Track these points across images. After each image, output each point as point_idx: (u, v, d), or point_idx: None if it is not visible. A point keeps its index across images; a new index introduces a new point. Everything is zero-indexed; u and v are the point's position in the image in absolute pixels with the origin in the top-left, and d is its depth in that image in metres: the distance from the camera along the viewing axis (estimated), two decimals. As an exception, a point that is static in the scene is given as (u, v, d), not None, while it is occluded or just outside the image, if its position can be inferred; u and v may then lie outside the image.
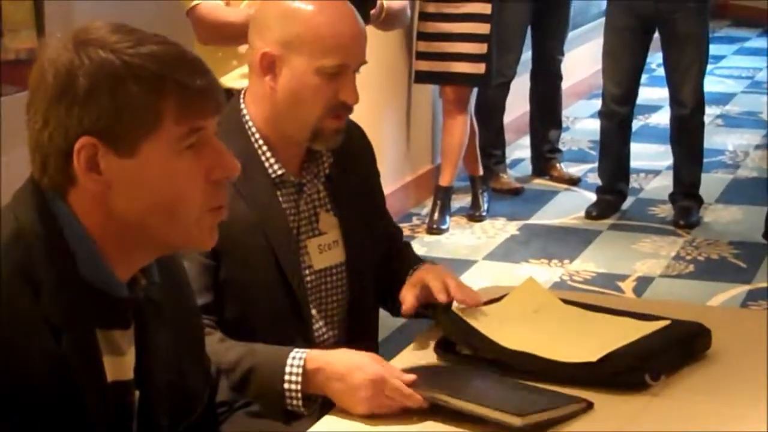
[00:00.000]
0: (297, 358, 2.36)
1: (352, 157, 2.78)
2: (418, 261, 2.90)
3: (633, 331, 2.55)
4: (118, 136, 1.71)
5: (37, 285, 1.68)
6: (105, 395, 1.74)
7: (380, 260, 2.86)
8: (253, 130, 2.64)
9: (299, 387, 2.35)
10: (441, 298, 2.63)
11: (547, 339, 2.52)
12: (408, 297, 2.65)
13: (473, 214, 6.46)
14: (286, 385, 2.35)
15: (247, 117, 2.64)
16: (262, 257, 2.59)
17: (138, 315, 1.82)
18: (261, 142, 2.64)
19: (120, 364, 1.79)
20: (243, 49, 3.85)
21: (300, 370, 2.35)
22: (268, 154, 2.63)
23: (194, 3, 3.87)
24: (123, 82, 1.70)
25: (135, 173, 1.72)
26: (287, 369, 2.36)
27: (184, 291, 1.99)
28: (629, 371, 2.44)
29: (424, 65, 6.18)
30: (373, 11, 4.05)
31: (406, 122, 6.56)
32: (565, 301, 2.77)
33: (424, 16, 6.06)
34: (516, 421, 2.22)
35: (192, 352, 1.99)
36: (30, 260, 1.69)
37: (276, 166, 2.63)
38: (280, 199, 2.65)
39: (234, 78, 3.82)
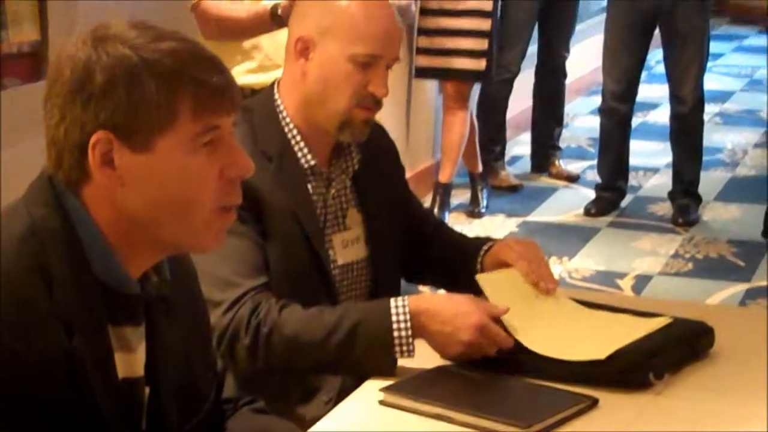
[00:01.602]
0: (401, 306, 2.42)
1: (378, 155, 2.81)
2: (463, 238, 2.96)
3: (636, 328, 2.55)
4: (133, 131, 1.71)
5: (50, 281, 1.68)
6: (116, 392, 1.74)
7: (415, 244, 2.89)
8: (288, 120, 2.66)
9: (410, 332, 2.40)
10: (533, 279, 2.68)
11: (553, 334, 2.52)
12: None
13: (472, 211, 6.48)
14: (395, 333, 2.40)
15: (282, 107, 2.67)
16: (298, 242, 2.62)
17: (149, 312, 1.82)
18: (295, 131, 2.66)
19: (131, 361, 1.79)
20: (248, 44, 3.87)
21: (407, 316, 2.40)
22: (302, 143, 2.65)
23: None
24: (140, 77, 1.70)
25: (149, 169, 1.72)
26: (393, 317, 2.41)
27: (194, 289, 1.99)
28: (634, 370, 2.45)
29: (425, 61, 6.18)
30: None
31: (406, 118, 6.59)
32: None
33: (426, 12, 6.06)
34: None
35: (201, 349, 1.99)
36: (44, 256, 1.69)
37: (309, 156, 2.66)
38: (310, 190, 2.67)
39: (239, 73, 3.81)
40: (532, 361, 2.46)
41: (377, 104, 2.64)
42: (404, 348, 2.40)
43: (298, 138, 2.66)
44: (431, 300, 2.47)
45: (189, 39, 1.79)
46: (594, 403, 2.35)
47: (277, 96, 2.68)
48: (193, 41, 1.80)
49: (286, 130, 2.66)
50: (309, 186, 2.68)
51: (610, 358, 2.46)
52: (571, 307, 2.68)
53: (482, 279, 2.64)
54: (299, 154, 2.66)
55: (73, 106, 1.70)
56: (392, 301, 2.44)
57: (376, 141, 2.78)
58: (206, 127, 1.75)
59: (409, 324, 2.40)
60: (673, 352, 2.55)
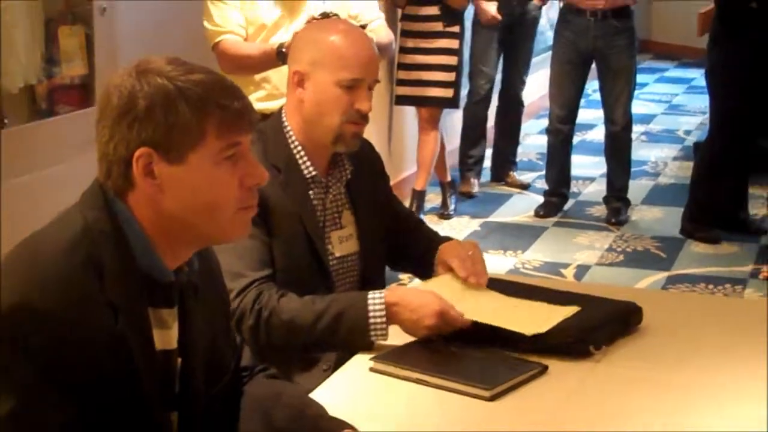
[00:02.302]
0: (378, 298, 2.42)
1: (367, 166, 2.80)
2: (435, 236, 2.93)
3: (555, 313, 2.52)
4: (169, 147, 1.71)
5: (101, 272, 1.68)
6: (154, 361, 1.74)
7: (399, 238, 2.88)
8: (293, 138, 2.65)
9: (384, 320, 2.40)
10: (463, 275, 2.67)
11: (497, 315, 2.50)
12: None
13: (443, 213, 6.44)
14: (371, 321, 2.40)
15: (288, 128, 2.66)
16: (300, 241, 2.62)
17: (181, 296, 1.82)
18: (299, 147, 2.65)
19: (166, 336, 1.79)
20: (258, 77, 3.85)
21: (382, 307, 2.40)
22: (305, 158, 2.65)
23: (218, 39, 3.85)
24: (174, 103, 1.71)
25: (183, 178, 1.73)
26: (370, 308, 2.41)
27: (217, 277, 1.99)
28: (577, 342, 2.44)
29: (403, 90, 6.15)
30: None
31: (388, 137, 6.55)
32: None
33: (404, 50, 6.05)
34: (486, 393, 2.23)
35: (223, 326, 1.98)
36: (96, 252, 1.69)
37: (311, 168, 2.65)
38: (311, 195, 2.66)
39: (251, 101, 3.78)
40: (492, 334, 2.45)
41: (364, 119, 2.64)
42: (379, 332, 2.41)
43: (302, 153, 2.66)
44: (402, 294, 2.46)
45: (215, 72, 1.80)
46: (544, 369, 2.36)
47: (284, 118, 2.67)
48: (218, 74, 1.81)
49: (292, 146, 2.65)
50: (311, 192, 2.66)
51: (552, 331, 2.46)
52: (498, 297, 2.63)
53: (426, 284, 2.67)
54: (303, 166, 2.65)
55: (120, 127, 1.71)
56: (370, 294, 2.45)
57: (365, 154, 2.79)
58: (229, 143, 1.75)
59: (383, 314, 2.41)
60: (609, 327, 2.54)
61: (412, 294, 2.48)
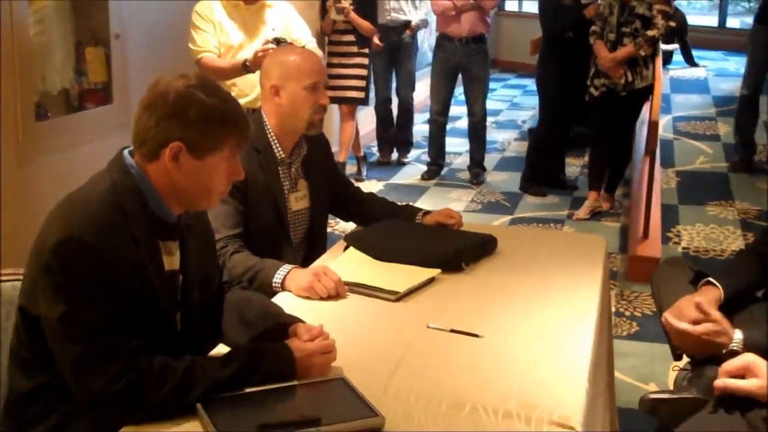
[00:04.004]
0: (284, 268, 2.32)
1: (317, 147, 2.75)
2: (365, 195, 2.93)
3: (412, 278, 2.34)
4: (197, 147, 1.70)
5: (126, 214, 1.66)
6: (163, 278, 1.73)
7: (342, 201, 2.86)
8: (269, 130, 2.61)
9: (280, 281, 2.30)
10: (451, 222, 2.74)
11: (371, 277, 2.35)
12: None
13: (357, 178, 6.42)
14: (274, 281, 2.30)
15: (267, 123, 2.61)
16: (269, 204, 2.58)
17: (181, 233, 1.81)
18: (273, 137, 2.61)
19: (172, 260, 1.78)
20: (229, 82, 3.78)
21: (282, 275, 2.30)
22: (276, 144, 2.61)
23: (200, 56, 3.78)
24: (212, 119, 1.69)
25: (197, 169, 1.71)
26: (275, 275, 2.30)
27: (205, 221, 1.96)
28: (453, 260, 2.46)
29: (330, 93, 6.08)
30: None
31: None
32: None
33: (330, 65, 5.98)
34: (392, 297, 2.23)
35: (210, 253, 1.97)
36: (121, 201, 1.67)
37: (280, 151, 2.62)
38: (280, 171, 2.63)
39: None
40: (402, 256, 2.46)
41: (324, 109, 2.61)
42: (278, 288, 2.30)
43: (275, 140, 2.62)
44: (296, 270, 2.32)
45: (237, 102, 1.78)
46: (431, 279, 2.37)
47: (263, 116, 2.61)
48: (239, 104, 1.78)
49: (269, 136, 2.61)
50: (279, 169, 2.63)
51: (442, 253, 2.45)
52: (380, 265, 2.46)
53: (337, 258, 2.53)
54: (275, 150, 2.61)
55: (167, 121, 1.68)
56: (282, 266, 2.33)
57: (316, 138, 2.74)
58: (233, 154, 1.75)
59: (282, 278, 2.29)
60: (474, 251, 2.56)
61: (306, 268, 2.35)
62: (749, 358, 1.77)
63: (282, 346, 1.76)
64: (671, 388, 2.57)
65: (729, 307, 2.35)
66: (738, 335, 2.13)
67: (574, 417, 1.65)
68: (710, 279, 2.38)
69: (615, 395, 2.84)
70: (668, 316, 2.32)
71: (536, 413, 1.65)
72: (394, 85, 6.78)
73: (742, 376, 1.76)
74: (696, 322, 2.26)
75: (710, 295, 2.34)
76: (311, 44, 3.98)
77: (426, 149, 6.78)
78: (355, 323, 2.11)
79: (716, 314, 2.23)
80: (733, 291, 2.37)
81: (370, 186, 6.31)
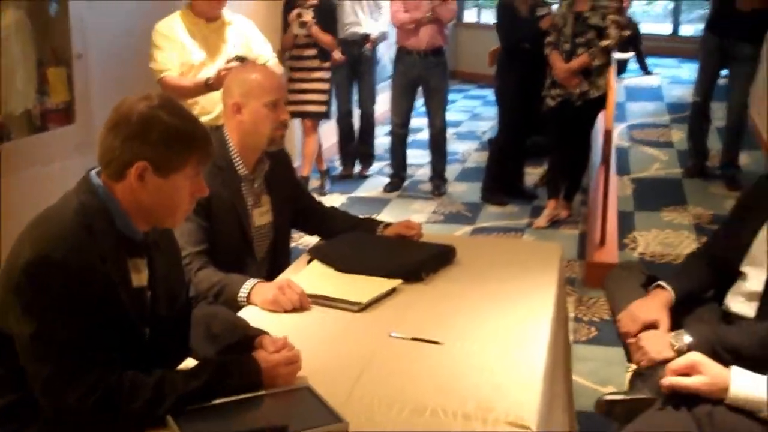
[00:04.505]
0: (249, 282, 2.36)
1: (279, 163, 2.79)
2: (328, 209, 2.98)
3: (373, 289, 2.39)
4: (161, 167, 1.74)
5: (94, 233, 1.70)
6: (131, 294, 1.76)
7: (304, 215, 2.89)
8: (231, 146, 2.63)
9: (245, 295, 2.34)
10: (412, 233, 2.82)
11: (334, 289, 2.40)
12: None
13: (321, 191, 6.44)
14: (240, 295, 2.34)
15: (228, 139, 2.63)
16: (232, 220, 2.61)
17: (148, 250, 1.85)
18: (236, 153, 2.64)
19: (140, 277, 1.81)
20: (191, 101, 3.80)
21: (248, 289, 2.34)
22: (239, 160, 2.64)
23: (162, 75, 3.81)
24: (175, 139, 1.74)
25: (162, 187, 1.75)
26: (241, 290, 2.35)
27: (172, 239, 2.00)
28: (414, 270, 2.51)
29: (292, 108, 6.07)
30: None
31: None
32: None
33: (292, 80, 6.00)
34: (355, 308, 2.28)
35: (176, 269, 2.00)
36: (89, 220, 1.71)
37: (243, 168, 2.64)
38: (243, 187, 2.66)
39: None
40: (365, 269, 2.50)
41: (285, 126, 2.65)
42: (243, 302, 2.34)
43: (237, 157, 2.64)
44: (261, 284, 2.37)
45: (200, 121, 1.82)
46: (393, 290, 2.42)
47: (225, 134, 2.64)
48: (201, 123, 1.83)
49: (231, 153, 2.63)
50: (242, 185, 2.66)
51: (404, 263, 2.51)
52: (341, 277, 2.52)
53: (301, 272, 2.57)
54: (237, 167, 2.64)
55: (132, 141, 1.72)
56: (247, 281, 2.36)
57: (278, 154, 2.77)
58: (197, 171, 1.79)
59: (247, 292, 2.34)
60: (433, 261, 2.62)
61: (270, 282, 2.39)
62: (695, 357, 1.87)
63: (248, 358, 1.81)
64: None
65: (680, 309, 2.45)
66: (687, 338, 2.22)
67: (529, 417, 1.73)
68: (660, 283, 2.48)
69: (573, 398, 2.93)
70: (623, 318, 2.41)
71: (493, 414, 1.72)
72: (355, 98, 6.83)
73: (689, 375, 1.85)
74: (648, 326, 2.36)
75: (661, 298, 2.44)
76: (272, 60, 4.03)
77: (388, 162, 6.81)
78: (319, 334, 2.17)
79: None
80: (683, 293, 2.47)
81: (334, 199, 6.33)
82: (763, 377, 1.81)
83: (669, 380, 1.86)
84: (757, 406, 1.78)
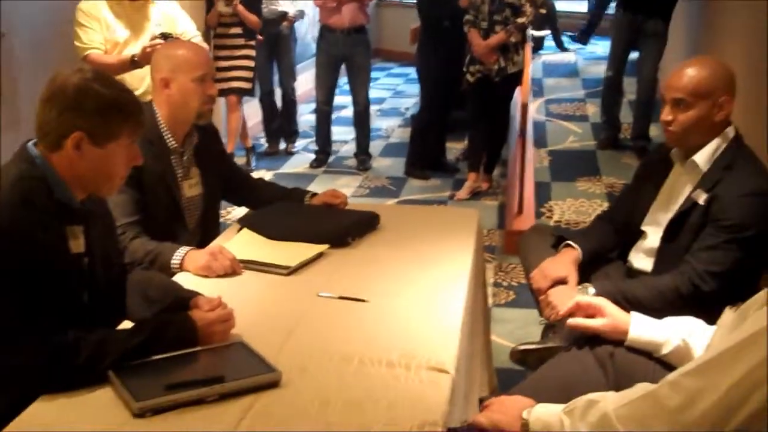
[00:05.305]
0: (182, 249, 2.42)
1: (207, 136, 2.83)
2: (281, 189, 3.06)
3: (301, 253, 2.48)
4: (97, 135, 1.81)
5: (33, 203, 1.76)
6: (70, 259, 1.84)
7: (233, 186, 2.95)
8: (161, 121, 2.67)
9: (178, 264, 2.40)
10: (337, 202, 2.89)
11: (262, 254, 2.48)
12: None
13: (247, 168, 6.41)
14: (173, 263, 2.40)
15: (158, 114, 2.66)
16: (163, 192, 2.65)
17: (85, 218, 1.91)
18: (165, 127, 2.67)
19: (77, 244, 1.88)
20: (117, 78, 3.84)
21: (181, 256, 2.40)
22: (168, 134, 2.67)
23: (86, 53, 3.82)
24: (111, 109, 1.80)
25: (98, 157, 1.83)
26: (174, 257, 2.41)
27: (105, 207, 2.06)
28: (340, 235, 2.61)
29: (218, 85, 6.09)
30: None
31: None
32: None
33: (217, 58, 5.99)
34: (284, 271, 2.36)
35: (111, 236, 2.07)
36: (28, 190, 1.77)
37: (172, 141, 2.68)
38: (172, 160, 2.70)
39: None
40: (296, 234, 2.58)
41: (212, 100, 2.70)
42: (177, 268, 2.39)
43: (167, 131, 2.68)
44: (193, 251, 2.42)
45: (132, 92, 1.90)
46: (321, 254, 2.51)
47: (155, 109, 2.67)
48: (134, 93, 1.91)
49: (160, 127, 2.67)
50: (172, 158, 2.70)
51: (332, 228, 2.59)
52: (269, 243, 2.59)
53: (232, 240, 2.63)
54: (167, 140, 2.68)
55: (68, 112, 1.79)
56: (179, 248, 2.42)
57: (207, 128, 2.82)
58: (131, 140, 1.87)
59: (180, 259, 2.39)
60: (358, 226, 2.72)
61: (200, 250, 2.44)
62: (599, 301, 2.03)
63: (184, 315, 1.91)
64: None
65: (588, 268, 2.63)
66: (591, 290, 2.39)
67: (448, 362, 1.87)
68: (569, 242, 2.66)
69: (492, 356, 3.09)
70: (535, 275, 2.58)
71: (415, 361, 1.86)
72: (276, 77, 6.86)
73: (593, 317, 2.01)
74: (558, 281, 2.52)
75: (570, 256, 2.61)
76: (197, 38, 4.07)
77: (313, 138, 6.85)
78: (251, 296, 2.26)
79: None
80: (589, 251, 2.65)
81: (260, 176, 6.18)
82: (660, 321, 1.97)
83: (575, 321, 2.01)
84: (654, 347, 1.94)
